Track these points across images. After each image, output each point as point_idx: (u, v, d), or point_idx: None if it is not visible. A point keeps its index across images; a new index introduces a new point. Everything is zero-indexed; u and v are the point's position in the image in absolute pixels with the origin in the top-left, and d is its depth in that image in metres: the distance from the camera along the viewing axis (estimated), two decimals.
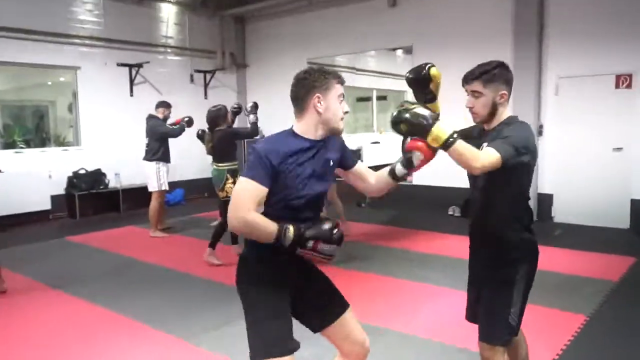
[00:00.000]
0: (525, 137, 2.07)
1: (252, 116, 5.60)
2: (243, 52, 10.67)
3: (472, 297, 2.33)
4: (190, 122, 6.82)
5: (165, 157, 6.67)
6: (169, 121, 6.87)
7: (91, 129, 8.40)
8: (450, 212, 7.56)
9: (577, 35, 6.64)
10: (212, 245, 5.26)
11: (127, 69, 8.71)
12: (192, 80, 9.81)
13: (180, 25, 9.64)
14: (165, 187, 6.72)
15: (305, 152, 1.97)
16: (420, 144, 1.95)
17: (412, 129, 1.91)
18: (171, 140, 6.75)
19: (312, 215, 2.02)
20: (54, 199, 7.85)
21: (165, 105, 6.83)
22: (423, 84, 2.15)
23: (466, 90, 2.18)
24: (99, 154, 8.35)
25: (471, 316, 2.34)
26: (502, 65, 2.14)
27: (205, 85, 10.03)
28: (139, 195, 7.97)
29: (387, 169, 2.15)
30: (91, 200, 8.09)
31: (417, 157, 2.00)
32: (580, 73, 6.67)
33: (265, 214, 1.93)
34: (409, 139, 2.02)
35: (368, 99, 13.90)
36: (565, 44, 6.75)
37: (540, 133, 6.98)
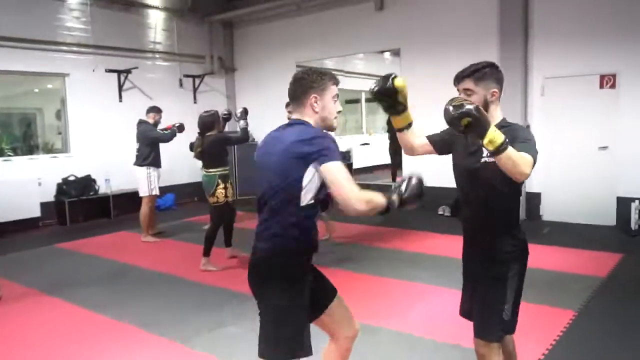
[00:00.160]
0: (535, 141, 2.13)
1: (242, 122, 5.58)
2: (232, 56, 10.70)
3: (466, 293, 2.37)
4: (181, 128, 6.83)
5: (156, 162, 6.66)
6: (160, 126, 6.87)
7: (80, 136, 8.38)
8: (440, 212, 7.63)
9: (561, 37, 6.76)
10: (206, 253, 5.24)
11: (115, 75, 8.70)
12: (181, 85, 9.82)
13: (169, 31, 9.65)
14: (156, 192, 6.72)
15: None
16: None
17: (476, 126, 1.86)
18: (162, 145, 6.76)
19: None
20: (44, 206, 7.79)
21: (156, 110, 6.84)
22: (390, 96, 2.14)
23: (458, 89, 2.22)
24: (89, 160, 8.33)
25: (465, 312, 2.38)
26: (492, 65, 2.21)
27: (195, 90, 10.04)
28: (130, 200, 7.96)
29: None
30: (81, 206, 8.07)
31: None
32: (565, 73, 6.79)
33: (297, 216, 1.99)
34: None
35: (357, 101, 13.98)
36: (550, 46, 6.87)
37: None
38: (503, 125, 2.16)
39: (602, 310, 3.91)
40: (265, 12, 9.64)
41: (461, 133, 1.94)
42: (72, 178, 8.04)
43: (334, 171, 1.90)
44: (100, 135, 8.50)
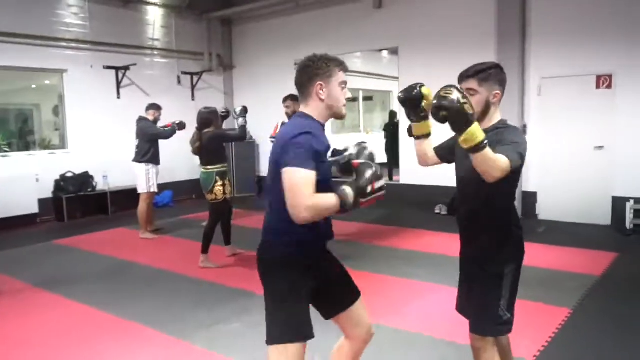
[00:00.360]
0: (526, 143, 2.14)
1: (240, 119, 5.49)
2: (230, 53, 10.71)
3: (462, 291, 2.40)
4: (182, 125, 6.83)
5: (154, 159, 6.68)
6: (160, 124, 6.88)
7: (78, 132, 8.37)
8: (437, 211, 7.67)
9: (559, 37, 6.81)
10: (205, 250, 5.25)
11: (113, 71, 8.70)
12: (179, 82, 9.82)
13: (167, 28, 9.65)
14: (155, 189, 6.74)
15: (323, 131, 2.07)
16: None
17: (453, 120, 1.83)
18: (161, 143, 6.77)
19: None
20: (42, 202, 7.81)
21: (155, 107, 6.84)
22: (415, 103, 2.17)
23: (461, 88, 2.24)
24: (86, 156, 8.33)
25: (461, 308, 2.42)
26: (497, 67, 2.22)
27: (193, 87, 10.05)
28: (128, 197, 7.96)
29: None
30: (79, 203, 8.07)
31: None
32: (562, 74, 6.83)
33: None
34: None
35: (355, 99, 14.00)
36: (547, 46, 6.91)
37: (524, 133, 7.12)
38: (499, 127, 2.18)
39: (596, 308, 3.95)
40: (264, 9, 9.65)
41: (441, 123, 1.91)
42: (69, 174, 8.04)
43: (287, 177, 1.87)
44: (98, 132, 8.50)
